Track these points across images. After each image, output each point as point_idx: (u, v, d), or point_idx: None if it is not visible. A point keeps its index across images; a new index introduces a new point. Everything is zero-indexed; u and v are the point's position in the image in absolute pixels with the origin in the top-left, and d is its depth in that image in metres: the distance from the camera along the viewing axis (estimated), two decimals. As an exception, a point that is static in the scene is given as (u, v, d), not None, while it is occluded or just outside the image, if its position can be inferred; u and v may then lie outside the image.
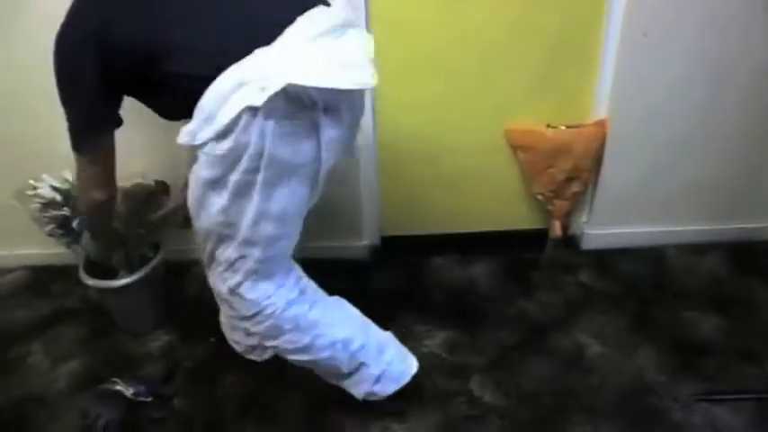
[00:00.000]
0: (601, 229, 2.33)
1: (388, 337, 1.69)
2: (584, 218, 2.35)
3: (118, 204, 1.88)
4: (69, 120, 1.33)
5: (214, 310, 2.19)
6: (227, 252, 1.35)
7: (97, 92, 1.26)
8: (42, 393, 1.90)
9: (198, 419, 1.79)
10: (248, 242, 1.32)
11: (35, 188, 1.85)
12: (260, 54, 1.15)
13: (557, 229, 2.29)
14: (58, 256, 2.42)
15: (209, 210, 1.29)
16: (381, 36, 1.95)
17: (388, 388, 1.64)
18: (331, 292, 2.25)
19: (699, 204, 2.28)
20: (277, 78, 1.11)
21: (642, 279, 2.20)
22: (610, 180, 2.20)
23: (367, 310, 2.14)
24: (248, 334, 1.54)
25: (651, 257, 2.30)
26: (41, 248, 2.44)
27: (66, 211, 1.86)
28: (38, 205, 1.86)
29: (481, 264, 2.33)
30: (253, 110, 1.14)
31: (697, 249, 2.33)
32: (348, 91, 1.22)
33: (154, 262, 2.00)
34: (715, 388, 1.78)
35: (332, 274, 2.32)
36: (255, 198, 1.25)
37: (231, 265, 1.37)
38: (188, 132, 1.21)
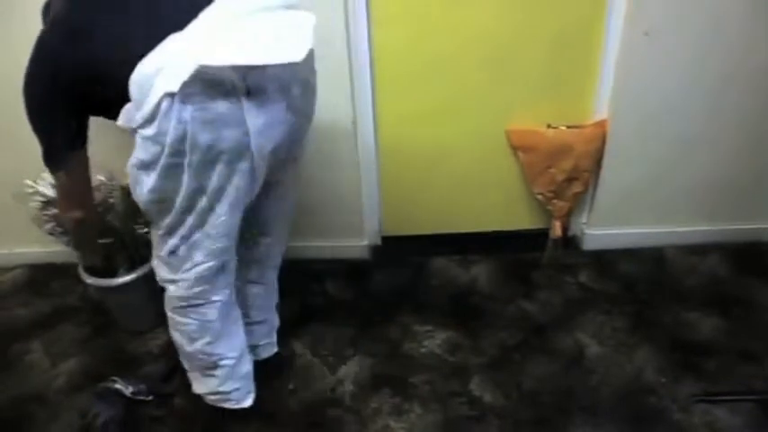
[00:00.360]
0: (601, 230, 2.33)
1: (249, 371, 1.74)
2: (584, 218, 2.36)
3: (117, 203, 1.88)
4: (39, 141, 1.32)
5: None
6: (167, 219, 1.36)
7: (58, 121, 1.28)
8: (42, 392, 1.90)
9: (198, 418, 1.78)
10: (185, 211, 1.33)
11: (34, 187, 1.85)
12: (174, 38, 1.13)
13: (557, 229, 2.30)
14: (57, 255, 2.42)
15: (141, 188, 1.29)
16: (383, 40, 1.98)
17: (218, 403, 1.72)
18: (331, 291, 2.27)
19: (699, 205, 2.28)
20: (189, 62, 1.10)
21: (642, 279, 2.20)
22: (610, 180, 2.20)
23: (367, 310, 2.15)
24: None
25: (651, 258, 2.30)
26: (41, 247, 2.44)
27: None
28: (37, 204, 1.86)
29: (481, 264, 2.33)
30: (171, 96, 1.13)
31: (697, 250, 2.33)
32: (273, 70, 1.19)
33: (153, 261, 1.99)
34: (715, 388, 1.78)
35: (332, 273, 2.34)
36: (185, 179, 1.26)
37: (169, 230, 1.38)
38: (123, 116, 1.22)
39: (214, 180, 1.28)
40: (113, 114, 1.25)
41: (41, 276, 2.43)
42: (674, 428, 1.68)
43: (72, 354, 2.04)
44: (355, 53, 1.95)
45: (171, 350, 1.72)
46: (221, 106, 1.18)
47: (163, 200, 1.31)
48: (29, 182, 1.85)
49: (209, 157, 1.23)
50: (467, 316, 2.08)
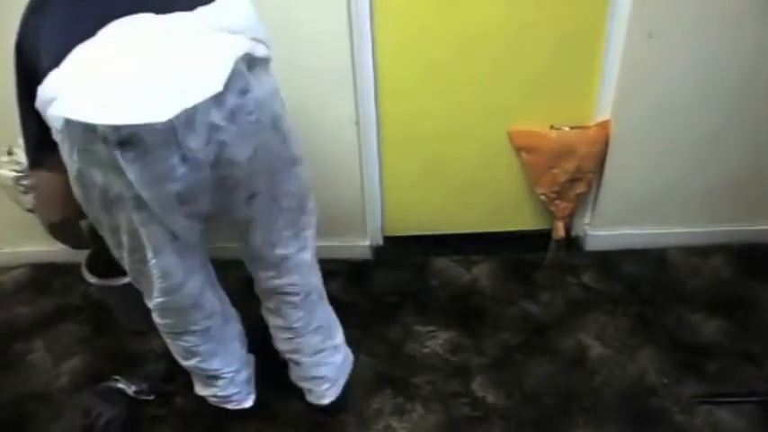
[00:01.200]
0: (604, 231, 2.33)
1: (250, 375, 1.76)
2: (587, 219, 2.35)
3: None
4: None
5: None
6: (114, 251, 1.35)
7: (27, 117, 1.19)
8: (44, 391, 1.91)
9: (200, 417, 1.79)
10: (116, 246, 1.31)
11: (11, 153, 1.69)
12: (69, 61, 1.03)
13: (560, 230, 2.29)
14: (59, 254, 2.42)
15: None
16: (386, 40, 1.98)
17: (219, 404, 1.73)
18: (333, 291, 2.26)
19: (702, 206, 2.27)
20: (59, 108, 1.02)
21: (645, 280, 2.20)
22: (613, 181, 2.20)
23: (369, 311, 2.15)
24: None
25: (654, 259, 2.30)
26: (43, 246, 2.44)
27: None
28: (12, 174, 1.69)
29: (484, 264, 2.33)
30: (59, 132, 1.08)
31: (700, 251, 2.32)
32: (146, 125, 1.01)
33: (156, 260, 2.00)
34: (717, 390, 1.78)
35: (334, 273, 2.34)
36: (101, 214, 1.22)
37: (122, 262, 1.37)
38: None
39: (123, 221, 1.21)
40: None
41: (43, 275, 2.43)
42: (675, 430, 1.68)
43: (74, 353, 2.04)
44: (358, 53, 1.95)
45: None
46: (101, 151, 1.07)
47: (93, 216, 1.26)
48: (7, 147, 1.70)
49: (110, 198, 1.17)
50: (469, 316, 2.08)
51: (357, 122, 2.07)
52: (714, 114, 2.06)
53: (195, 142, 1.09)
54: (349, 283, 2.29)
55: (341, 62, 1.94)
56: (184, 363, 1.62)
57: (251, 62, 1.13)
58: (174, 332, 1.53)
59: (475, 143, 2.19)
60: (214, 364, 1.62)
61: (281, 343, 1.68)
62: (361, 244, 2.39)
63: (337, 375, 1.74)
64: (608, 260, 2.30)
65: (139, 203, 1.16)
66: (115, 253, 1.35)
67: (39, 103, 1.08)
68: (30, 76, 1.09)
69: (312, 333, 1.64)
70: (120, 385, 1.82)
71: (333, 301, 2.20)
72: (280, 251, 1.47)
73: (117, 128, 1.01)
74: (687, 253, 2.32)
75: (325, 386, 1.71)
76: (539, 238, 2.36)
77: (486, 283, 2.24)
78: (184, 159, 1.10)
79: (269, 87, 1.23)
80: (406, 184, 2.30)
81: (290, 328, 1.63)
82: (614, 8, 1.91)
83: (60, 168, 1.19)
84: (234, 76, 1.06)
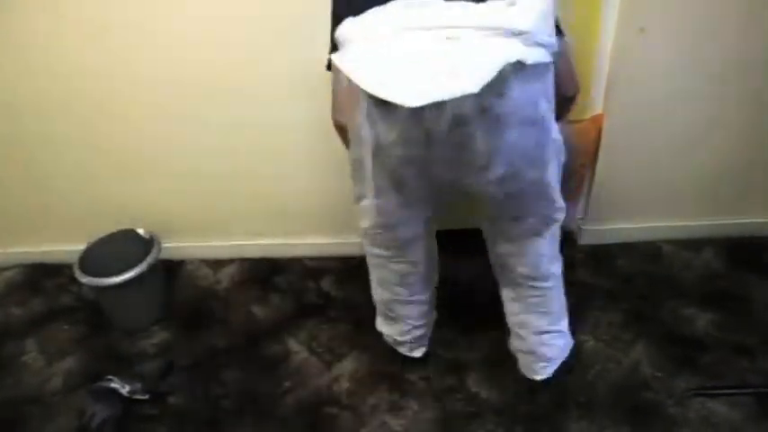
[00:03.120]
0: (597, 225, 2.33)
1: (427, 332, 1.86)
2: (580, 213, 2.35)
3: None
4: None
5: (209, 307, 2.20)
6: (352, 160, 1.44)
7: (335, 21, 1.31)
8: (37, 392, 1.90)
9: (194, 416, 1.79)
10: (353, 174, 1.44)
11: None
12: (349, 20, 1.20)
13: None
14: (52, 255, 2.42)
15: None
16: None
17: (393, 346, 1.85)
18: (327, 288, 2.27)
19: (695, 200, 2.28)
20: (340, 56, 1.18)
21: (638, 274, 2.21)
22: (606, 176, 2.20)
23: (363, 307, 2.14)
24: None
25: (647, 253, 2.30)
26: (36, 247, 2.44)
27: None
28: None
29: (476, 259, 2.31)
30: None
31: (693, 245, 2.33)
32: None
33: (149, 259, 1.99)
34: (710, 383, 1.79)
35: (328, 270, 2.34)
36: (354, 147, 1.35)
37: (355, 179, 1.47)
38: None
39: (368, 163, 1.33)
40: None
41: (36, 276, 2.42)
42: (669, 423, 1.68)
43: (68, 353, 2.04)
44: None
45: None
46: (362, 99, 1.20)
47: (357, 163, 1.39)
48: None
49: (356, 137, 1.30)
50: (462, 311, 2.08)
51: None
52: (706, 108, 2.06)
53: (440, 126, 1.17)
54: (342, 280, 2.29)
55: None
56: (377, 294, 1.75)
57: (519, 66, 1.11)
58: (375, 259, 1.64)
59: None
60: (401, 310, 1.72)
61: (511, 316, 1.72)
62: (354, 240, 2.38)
63: (555, 357, 1.74)
64: (601, 254, 2.30)
65: (376, 151, 1.28)
66: (352, 174, 1.46)
67: (337, 35, 1.23)
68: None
69: (541, 315, 1.66)
70: (114, 385, 1.81)
71: (327, 298, 2.21)
72: (520, 232, 1.50)
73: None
74: (680, 246, 2.33)
75: (542, 364, 1.73)
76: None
77: (479, 278, 2.23)
78: (427, 134, 1.20)
79: (531, 92, 1.20)
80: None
81: (520, 305, 1.67)
82: (606, 3, 1.90)
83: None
84: (495, 79, 1.06)
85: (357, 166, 1.40)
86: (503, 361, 1.89)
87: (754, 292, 2.11)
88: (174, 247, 2.31)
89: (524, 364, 1.76)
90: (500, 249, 1.58)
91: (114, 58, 1.95)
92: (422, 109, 1.08)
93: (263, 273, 2.35)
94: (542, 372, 1.73)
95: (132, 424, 1.78)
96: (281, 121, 2.07)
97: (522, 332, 1.71)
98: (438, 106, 1.09)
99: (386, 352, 1.95)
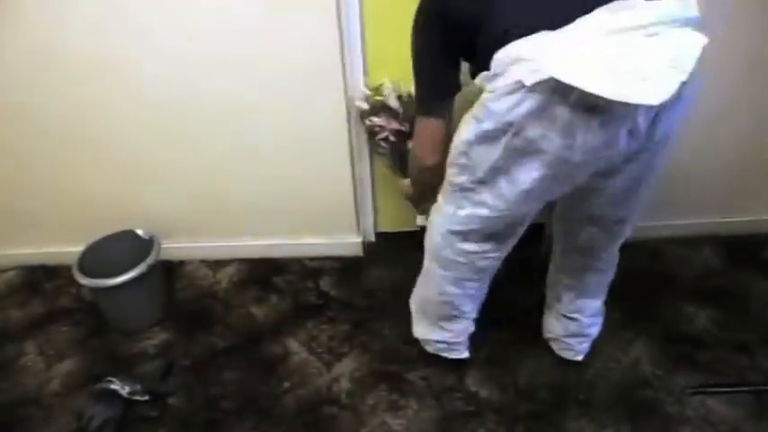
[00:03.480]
0: (595, 224, 2.33)
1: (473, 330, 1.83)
2: (578, 212, 2.35)
3: None
4: (417, 86, 1.45)
5: (209, 308, 2.20)
6: (461, 177, 1.41)
7: (440, 69, 1.39)
8: (37, 394, 1.90)
9: (194, 417, 1.78)
10: (481, 181, 1.37)
11: (382, 96, 1.97)
12: (544, 37, 1.16)
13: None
14: (51, 256, 2.42)
15: (462, 133, 1.35)
16: (374, 31, 1.97)
17: (440, 352, 1.84)
18: (326, 288, 2.27)
19: (693, 198, 2.28)
20: (547, 68, 1.12)
21: (637, 272, 2.21)
22: (604, 174, 2.19)
23: (362, 307, 2.15)
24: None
25: (646, 251, 2.31)
26: (35, 248, 2.43)
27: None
28: (366, 108, 2.00)
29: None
30: (521, 85, 1.17)
31: (691, 243, 2.33)
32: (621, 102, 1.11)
33: (149, 260, 1.99)
34: (710, 380, 1.79)
35: (327, 270, 2.34)
36: (495, 154, 1.29)
37: (462, 191, 1.43)
38: (480, 78, 1.29)
39: (519, 169, 1.30)
40: (475, 60, 1.34)
41: (35, 278, 2.42)
42: (668, 420, 1.69)
43: (67, 355, 2.03)
44: (347, 43, 1.95)
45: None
46: (559, 112, 1.17)
47: (468, 157, 1.35)
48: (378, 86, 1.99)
49: (527, 149, 1.25)
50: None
51: (347, 118, 2.06)
52: (705, 108, 2.05)
53: (643, 119, 1.21)
54: (341, 280, 2.29)
55: (330, 54, 1.94)
56: (440, 296, 1.68)
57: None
58: (462, 257, 1.56)
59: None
60: (466, 306, 1.70)
61: (566, 304, 1.79)
62: (353, 240, 2.39)
63: (595, 335, 1.85)
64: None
65: (557, 162, 1.25)
66: (460, 180, 1.41)
67: (496, 60, 1.21)
68: (456, 35, 1.29)
69: (596, 296, 1.79)
70: (114, 386, 1.81)
71: (326, 298, 2.21)
72: (618, 214, 1.54)
73: (596, 97, 1.10)
74: (678, 244, 2.33)
75: (586, 344, 1.84)
76: (531, 232, 2.35)
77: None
78: (630, 132, 1.22)
79: (701, 77, 1.28)
80: (397, 179, 2.30)
81: (578, 291, 1.76)
82: None
83: (449, 113, 1.45)
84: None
85: (479, 173, 1.36)
86: (502, 360, 1.89)
87: (752, 289, 2.12)
88: (173, 247, 2.31)
89: (566, 347, 1.85)
90: (587, 232, 1.61)
91: (114, 58, 1.95)
92: (636, 107, 1.15)
93: (263, 273, 2.35)
94: (584, 351, 1.85)
95: (132, 425, 1.78)
96: (281, 121, 2.07)
97: (575, 315, 1.79)
98: (647, 112, 1.18)
99: (385, 351, 1.96)
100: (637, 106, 1.15)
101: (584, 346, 1.85)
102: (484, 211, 1.41)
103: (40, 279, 2.41)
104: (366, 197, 2.32)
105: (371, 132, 2.03)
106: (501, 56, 1.20)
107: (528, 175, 1.29)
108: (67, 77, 1.99)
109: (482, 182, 1.37)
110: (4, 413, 1.84)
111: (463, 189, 1.42)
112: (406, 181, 1.91)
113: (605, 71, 1.10)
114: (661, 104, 1.13)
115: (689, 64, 1.13)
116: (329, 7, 1.84)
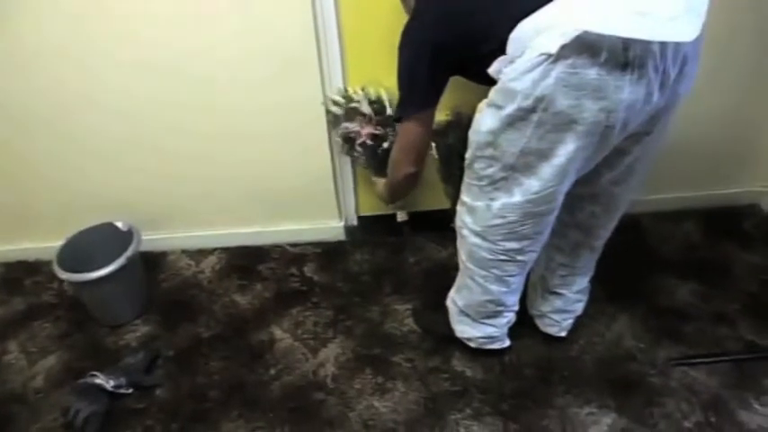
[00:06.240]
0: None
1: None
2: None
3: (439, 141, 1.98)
4: (399, 91, 1.45)
5: (192, 298, 2.19)
6: (489, 170, 1.38)
7: (422, 82, 1.41)
8: (21, 392, 1.88)
9: (181, 408, 1.78)
10: (511, 167, 1.34)
11: (354, 100, 1.96)
12: (557, 2, 1.15)
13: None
14: (30, 252, 2.39)
15: (481, 125, 1.32)
16: (350, 15, 1.94)
17: (483, 345, 1.80)
18: (309, 274, 2.26)
19: (673, 172, 2.28)
20: (572, 25, 1.10)
21: (618, 247, 2.21)
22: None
23: (346, 291, 2.15)
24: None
25: (627, 225, 2.29)
26: (13, 245, 2.40)
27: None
28: (339, 111, 2.00)
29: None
30: (547, 56, 1.14)
31: (672, 216, 2.35)
32: (658, 46, 1.12)
33: (129, 252, 1.97)
34: (692, 352, 1.81)
35: (309, 256, 2.33)
36: (525, 135, 1.26)
37: (493, 183, 1.39)
38: (495, 65, 1.26)
39: (553, 146, 1.26)
40: (471, 72, 1.38)
41: (15, 274, 2.39)
42: (652, 392, 1.71)
43: (50, 351, 2.01)
44: (322, 28, 1.92)
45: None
46: (591, 74, 1.14)
47: (495, 145, 1.32)
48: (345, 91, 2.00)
49: (560, 123, 1.22)
50: (445, 292, 2.08)
51: (324, 102, 2.05)
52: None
53: (674, 70, 1.19)
54: (324, 265, 2.28)
55: (305, 39, 1.91)
56: (484, 295, 1.65)
57: None
58: (503, 255, 1.52)
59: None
60: (508, 299, 1.68)
61: (554, 279, 1.78)
62: (335, 225, 2.38)
63: (580, 312, 1.86)
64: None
65: (592, 129, 1.22)
66: (488, 173, 1.38)
67: (513, 41, 1.19)
68: (448, 59, 1.35)
69: (585, 273, 1.79)
70: (99, 381, 1.79)
71: (309, 283, 2.20)
72: (620, 188, 1.52)
73: (627, 48, 1.10)
74: (659, 218, 2.34)
75: (570, 321, 1.85)
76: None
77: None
78: (662, 85, 1.20)
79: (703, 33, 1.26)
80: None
81: (571, 268, 1.75)
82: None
83: (430, 122, 1.48)
84: None
85: (510, 159, 1.32)
86: (487, 339, 1.90)
87: (734, 260, 2.14)
88: (154, 238, 2.29)
89: (551, 323, 1.85)
90: (589, 211, 1.60)
91: (89, 48, 1.91)
92: (664, 57, 1.14)
93: (246, 261, 2.33)
94: (568, 327, 1.85)
95: (119, 417, 1.77)
96: (259, 107, 2.05)
97: (562, 291, 1.79)
98: (675, 50, 1.16)
99: (370, 335, 1.96)
100: (665, 55, 1.14)
101: (569, 322, 1.85)
102: (518, 198, 1.37)
103: (20, 276, 2.38)
104: (347, 181, 2.31)
105: (347, 138, 2.02)
106: (517, 33, 1.18)
107: (564, 148, 1.25)
108: (42, 71, 1.95)
109: (513, 167, 1.33)
110: (-13, 412, 1.83)
111: (494, 181, 1.38)
112: (381, 180, 1.90)
113: (634, 16, 1.07)
114: (685, 56, 1.17)
115: (702, 6, 1.12)
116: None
